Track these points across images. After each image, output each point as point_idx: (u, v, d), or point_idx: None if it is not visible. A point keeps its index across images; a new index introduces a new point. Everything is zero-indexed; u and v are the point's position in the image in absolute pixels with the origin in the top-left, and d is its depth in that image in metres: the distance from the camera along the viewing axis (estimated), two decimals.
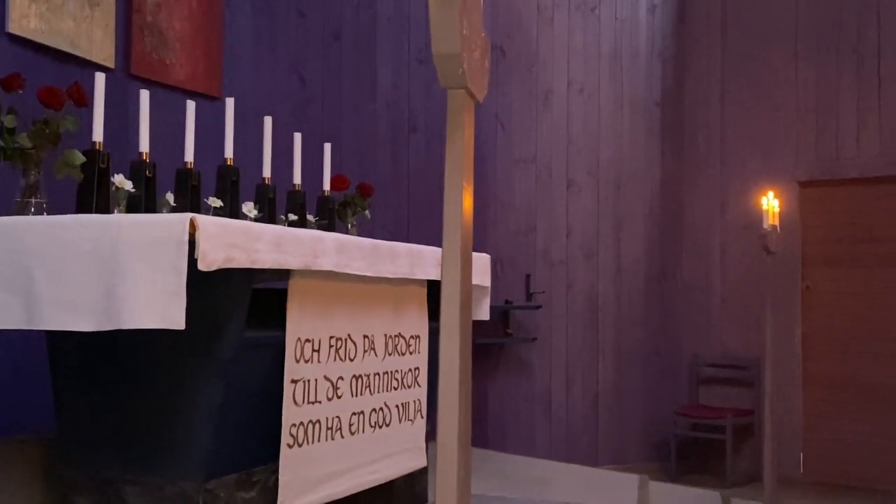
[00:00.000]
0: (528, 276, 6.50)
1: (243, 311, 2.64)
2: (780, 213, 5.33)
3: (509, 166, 6.56)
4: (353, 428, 3.11)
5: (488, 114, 6.46)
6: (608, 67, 7.00)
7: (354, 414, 3.11)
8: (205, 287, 2.37)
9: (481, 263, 4.16)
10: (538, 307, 6.46)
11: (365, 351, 3.18)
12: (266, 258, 2.54)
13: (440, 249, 1.21)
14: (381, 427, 3.28)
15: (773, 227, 5.08)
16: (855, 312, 6.71)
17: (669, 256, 7.34)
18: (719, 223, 7.35)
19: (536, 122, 6.68)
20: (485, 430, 6.22)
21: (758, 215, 5.20)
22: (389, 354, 3.35)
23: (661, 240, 7.27)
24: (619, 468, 6.16)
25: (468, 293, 1.19)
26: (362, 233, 3.95)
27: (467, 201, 1.18)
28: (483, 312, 4.28)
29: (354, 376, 3.11)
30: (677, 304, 7.37)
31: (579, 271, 6.80)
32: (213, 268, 2.33)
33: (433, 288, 3.63)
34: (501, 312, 6.36)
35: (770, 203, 5.11)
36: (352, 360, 3.09)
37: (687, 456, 6.98)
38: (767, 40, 7.17)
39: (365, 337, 3.19)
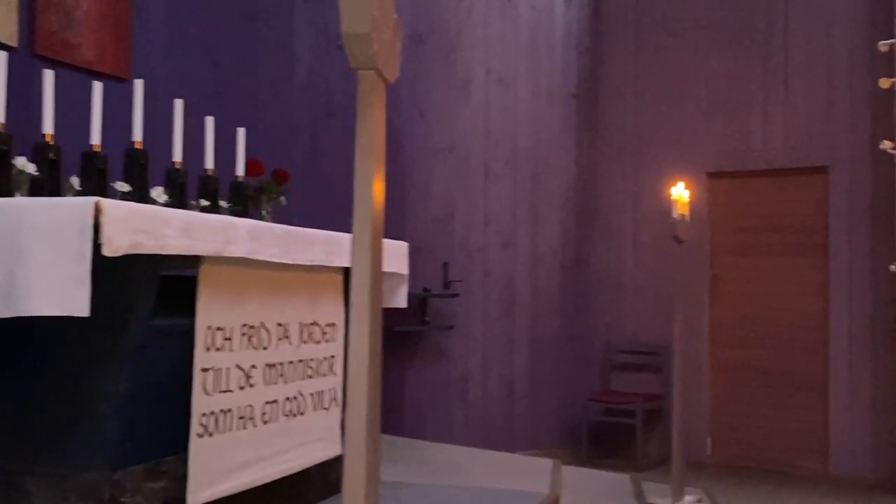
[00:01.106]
0: (445, 265, 6.52)
1: (151, 298, 2.57)
2: (690, 204, 5.47)
3: (428, 154, 6.55)
4: (266, 417, 3.07)
5: (407, 101, 6.44)
6: (526, 58, 7.04)
7: (267, 403, 3.07)
8: (110, 273, 2.30)
9: (399, 251, 4.15)
10: (455, 295, 6.48)
11: (279, 339, 3.14)
12: (175, 244, 2.48)
13: None
14: (295, 416, 3.25)
15: (683, 216, 5.21)
16: (760, 300, 6.93)
17: (584, 245, 7.46)
18: (632, 213, 7.49)
19: (455, 111, 6.69)
20: (402, 418, 6.23)
21: (669, 205, 5.32)
22: (304, 343, 3.31)
23: (576, 229, 7.38)
24: (534, 453, 6.25)
25: (378, 279, 1.18)
26: (278, 220, 3.88)
27: (378, 186, 1.17)
28: (400, 300, 4.28)
29: (268, 365, 3.07)
30: (591, 292, 7.49)
31: (496, 259, 6.85)
32: (119, 253, 2.27)
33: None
34: (419, 300, 6.36)
35: (680, 193, 5.24)
36: (265, 349, 3.05)
37: (600, 440, 7.12)
38: (679, 34, 7.33)
39: (279, 325, 3.15)
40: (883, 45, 6.07)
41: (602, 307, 7.51)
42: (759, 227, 7.00)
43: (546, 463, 4.97)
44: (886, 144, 6.01)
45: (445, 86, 6.64)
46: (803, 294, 6.75)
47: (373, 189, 1.15)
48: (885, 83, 6.06)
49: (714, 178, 7.17)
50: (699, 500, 5.11)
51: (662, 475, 5.68)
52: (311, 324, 3.37)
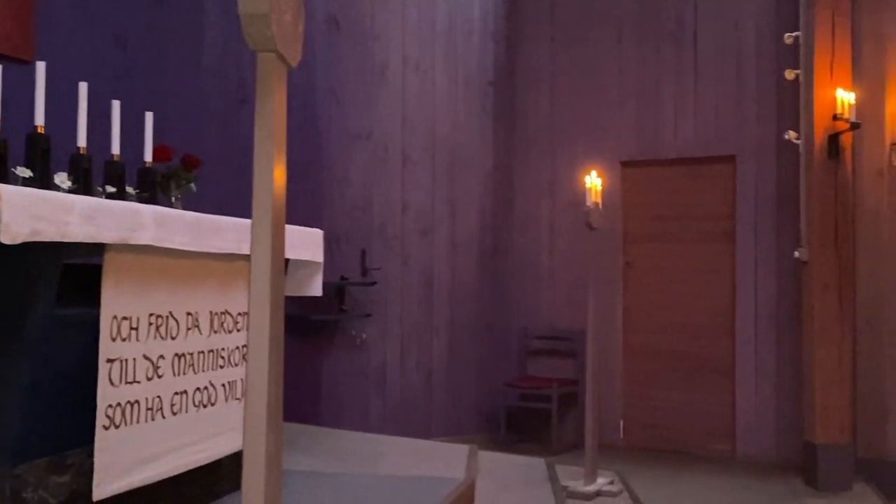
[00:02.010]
0: (363, 252, 6.49)
1: (53, 287, 2.49)
2: (603, 192, 5.56)
3: (345, 141, 6.50)
4: (176, 408, 3.01)
5: (323, 88, 6.37)
6: (443, 45, 7.05)
7: (177, 394, 3.01)
8: (10, 261, 2.22)
9: (313, 239, 4.12)
10: (373, 283, 6.46)
11: (188, 329, 3.08)
12: (77, 231, 2.41)
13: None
14: (205, 406, 3.19)
15: (596, 204, 5.30)
16: (671, 286, 7.10)
17: (501, 233, 7.52)
18: (548, 201, 7.58)
19: (372, 98, 6.65)
20: (319, 408, 6.19)
21: (583, 194, 5.41)
22: (215, 332, 3.26)
23: (493, 216, 7.43)
24: (452, 440, 6.28)
25: (280, 266, 1.17)
26: (188, 207, 3.80)
27: (279, 171, 1.15)
28: (316, 289, 4.24)
29: (177, 355, 3.01)
30: (508, 279, 7.57)
31: (415, 247, 6.85)
32: (18, 241, 2.19)
33: None
34: (336, 289, 6.31)
35: (593, 182, 5.32)
36: (174, 339, 2.99)
37: (517, 425, 7.21)
38: (593, 24, 7.43)
39: (188, 314, 3.08)
40: (788, 38, 6.27)
41: (519, 294, 7.59)
42: (670, 215, 7.16)
43: (463, 449, 5.00)
44: (791, 135, 6.22)
45: (362, 72, 6.59)
46: (712, 280, 6.93)
47: (273, 174, 1.13)
48: (790, 75, 6.26)
49: (627, 167, 7.30)
50: (611, 482, 5.22)
51: (577, 458, 5.78)
52: (223, 313, 3.31)
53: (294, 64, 1.21)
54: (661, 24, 7.18)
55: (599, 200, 5.40)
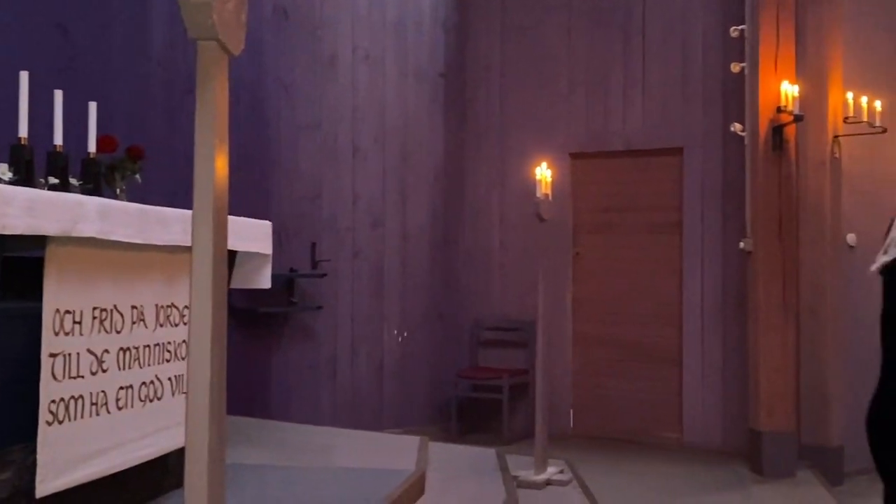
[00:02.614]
0: (313, 245, 6.45)
1: None
2: (553, 183, 5.59)
3: (294, 132, 6.45)
4: (121, 403, 2.96)
5: (271, 78, 6.31)
6: (393, 35, 7.02)
7: (122, 388, 2.97)
8: None
9: (262, 231, 4.09)
10: (323, 275, 6.43)
11: (133, 322, 3.04)
12: (17, 223, 2.36)
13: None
14: (151, 401, 3.15)
15: (546, 195, 5.32)
16: (620, 276, 7.17)
17: (453, 224, 7.53)
18: (499, 192, 7.61)
19: (321, 88, 6.60)
20: (268, 401, 6.14)
21: (533, 185, 5.43)
22: (161, 325, 3.22)
23: (444, 208, 7.44)
24: (404, 431, 6.28)
25: (222, 258, 1.15)
26: (134, 198, 3.74)
27: (221, 160, 1.14)
28: (264, 281, 4.22)
29: (122, 349, 2.96)
30: (460, 270, 7.58)
31: (365, 239, 6.83)
32: None
33: None
34: (286, 281, 6.27)
35: (543, 173, 5.35)
36: (118, 332, 2.94)
37: (468, 416, 7.23)
38: (543, 16, 7.46)
39: (133, 307, 3.04)
40: (734, 31, 6.36)
41: (470, 285, 7.61)
42: (618, 206, 7.23)
43: (413, 441, 5.01)
44: (737, 127, 6.32)
45: (311, 62, 6.54)
46: (660, 270, 7.03)
47: (215, 164, 1.11)
48: (735, 68, 6.36)
49: (577, 159, 7.35)
50: (561, 471, 5.27)
51: (527, 448, 5.81)
52: (169, 306, 3.27)
53: (236, 53, 1.20)
54: (610, 17, 7.23)
55: (549, 192, 5.42)
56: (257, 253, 4.05)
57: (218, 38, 1.12)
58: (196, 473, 1.08)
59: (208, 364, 1.10)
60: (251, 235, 3.94)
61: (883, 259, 2.00)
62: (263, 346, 6.19)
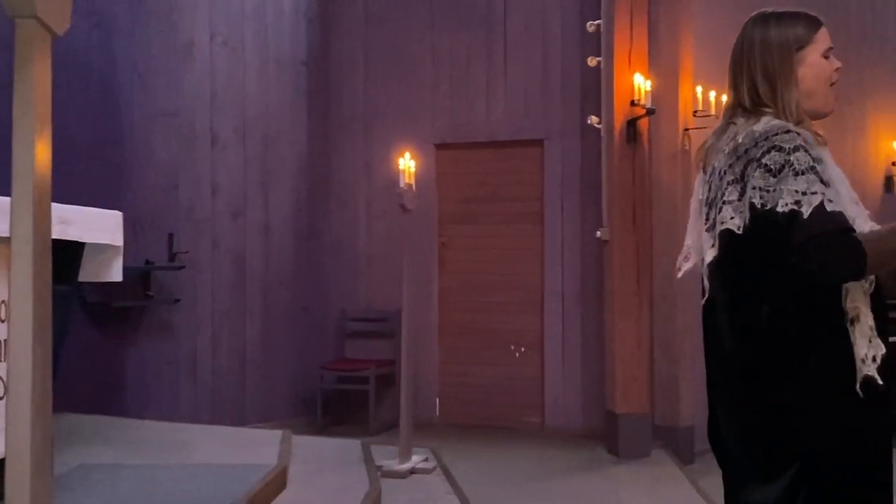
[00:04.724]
0: (170, 236, 6.25)
1: None
2: (418, 174, 5.61)
3: (149, 120, 6.22)
4: None
5: (124, 63, 6.06)
6: (253, 23, 6.87)
7: None
8: None
9: (112, 221, 3.92)
10: (181, 267, 6.24)
11: None
12: None
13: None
14: None
15: (409, 185, 5.34)
16: (484, 266, 7.27)
17: (318, 215, 7.45)
18: (365, 183, 7.57)
19: (178, 75, 6.39)
20: (123, 398, 5.92)
21: (398, 175, 5.43)
22: None
23: (309, 198, 7.34)
24: (268, 426, 6.19)
25: (45, 249, 1.09)
26: None
27: (42, 147, 1.07)
28: (115, 274, 4.05)
29: None
30: (325, 261, 7.50)
31: (226, 230, 6.67)
32: None
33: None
34: (142, 274, 6.06)
35: (406, 163, 5.36)
36: None
37: (334, 409, 7.19)
38: (406, 7, 7.46)
39: None
40: (591, 26, 6.53)
41: (336, 276, 7.54)
42: (482, 197, 7.32)
43: (276, 434, 4.94)
44: (594, 119, 6.50)
45: (167, 48, 6.32)
46: (522, 259, 7.16)
47: (35, 151, 1.05)
48: (592, 62, 6.54)
49: (441, 149, 7.39)
50: (425, 459, 5.30)
51: (394, 438, 5.82)
52: None
53: (60, 32, 1.13)
54: (472, 9, 7.30)
55: (413, 182, 5.44)
56: (107, 244, 3.88)
57: (37, 16, 1.05)
58: (18, 483, 1.02)
59: (30, 365, 1.04)
60: (100, 226, 3.77)
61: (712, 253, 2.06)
62: (119, 342, 5.96)
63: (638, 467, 5.84)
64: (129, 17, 6.06)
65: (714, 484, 5.34)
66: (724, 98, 5.94)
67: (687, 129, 6.34)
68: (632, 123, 6.16)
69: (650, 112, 6.05)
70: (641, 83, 6.07)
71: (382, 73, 7.52)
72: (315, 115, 7.41)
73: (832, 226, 1.83)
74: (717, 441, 2.15)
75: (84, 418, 4.96)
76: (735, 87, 2.16)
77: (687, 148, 6.37)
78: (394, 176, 5.63)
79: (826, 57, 2.07)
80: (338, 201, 7.60)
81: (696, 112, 6.24)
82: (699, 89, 6.22)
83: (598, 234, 6.42)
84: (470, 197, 7.34)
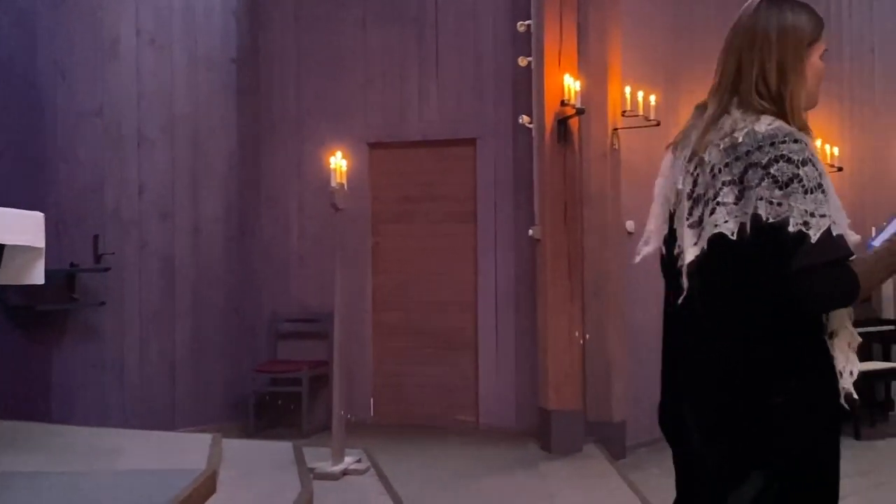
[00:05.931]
0: (96, 237, 6.11)
1: None
2: (351, 174, 5.59)
3: (72, 119, 6.08)
4: None
5: (46, 61, 5.91)
6: (180, 20, 6.75)
7: None
8: None
9: (33, 222, 3.84)
10: (107, 269, 6.10)
11: None
12: None
13: None
14: None
15: (341, 185, 5.32)
16: (418, 265, 7.26)
17: (249, 215, 7.35)
18: (296, 182, 7.49)
19: (102, 73, 6.25)
20: (48, 403, 5.77)
21: (330, 174, 5.40)
22: None
23: (239, 199, 7.25)
24: (199, 430, 6.08)
25: None
26: None
27: None
28: (37, 276, 3.96)
29: None
30: (257, 262, 7.41)
31: (153, 231, 6.55)
32: None
33: None
34: (66, 276, 5.91)
35: (338, 163, 5.33)
36: None
37: (267, 411, 7.10)
38: (337, 5, 7.41)
39: None
40: (521, 26, 6.58)
41: (268, 277, 7.45)
42: (416, 196, 7.31)
43: (206, 438, 4.87)
44: (525, 119, 6.54)
45: (91, 45, 6.18)
46: (456, 259, 7.17)
47: None
48: (523, 62, 6.58)
49: (375, 149, 7.36)
50: (358, 460, 5.28)
51: (327, 440, 5.78)
52: None
53: None
54: (405, 9, 7.28)
55: (345, 181, 5.41)
56: (28, 246, 3.79)
57: None
58: None
59: None
60: (20, 228, 3.68)
61: (693, 251, 2.01)
62: (42, 346, 5.81)
63: (570, 463, 5.89)
64: (51, 14, 5.91)
65: (644, 478, 5.46)
66: (653, 98, 5.94)
67: (616, 129, 6.43)
68: (562, 123, 6.21)
69: (580, 112, 6.11)
70: (571, 83, 6.12)
71: (314, 72, 7.45)
72: (245, 114, 7.31)
73: (834, 255, 1.82)
74: (676, 432, 2.08)
75: (6, 424, 4.82)
76: (737, 71, 1.97)
77: (616, 147, 6.45)
78: (326, 175, 5.59)
79: (821, 58, 2.01)
80: (269, 201, 7.51)
81: (624, 112, 6.32)
82: (628, 89, 6.31)
83: (531, 232, 6.47)
84: (403, 196, 7.33)
